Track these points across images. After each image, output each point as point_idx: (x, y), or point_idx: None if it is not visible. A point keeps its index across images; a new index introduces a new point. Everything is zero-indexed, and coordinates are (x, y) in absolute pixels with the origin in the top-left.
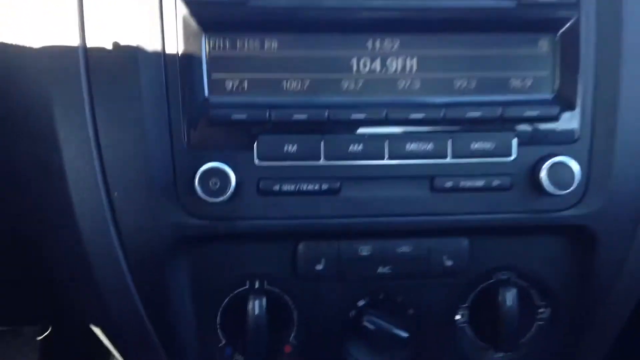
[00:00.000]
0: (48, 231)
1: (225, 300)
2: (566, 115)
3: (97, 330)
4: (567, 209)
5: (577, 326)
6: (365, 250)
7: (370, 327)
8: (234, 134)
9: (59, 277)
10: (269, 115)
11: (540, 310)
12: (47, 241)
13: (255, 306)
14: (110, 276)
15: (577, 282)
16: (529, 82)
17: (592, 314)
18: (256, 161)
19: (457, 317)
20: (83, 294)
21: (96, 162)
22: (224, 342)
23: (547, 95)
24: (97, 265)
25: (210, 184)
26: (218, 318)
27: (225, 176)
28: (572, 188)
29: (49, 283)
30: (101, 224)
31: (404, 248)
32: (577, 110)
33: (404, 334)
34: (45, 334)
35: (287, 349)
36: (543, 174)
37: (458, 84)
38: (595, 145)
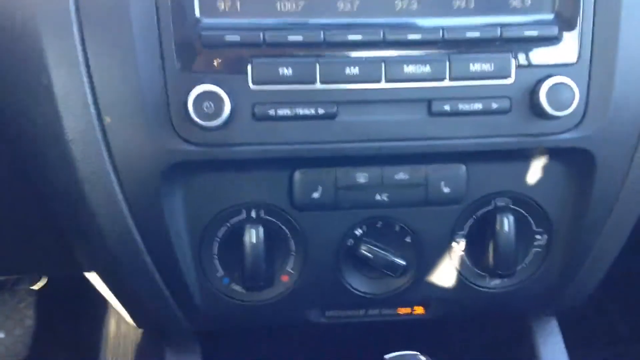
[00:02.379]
0: (41, 160)
1: (222, 230)
2: (566, 36)
3: (94, 278)
4: (566, 131)
5: (573, 253)
6: (362, 177)
7: (368, 255)
8: (227, 57)
9: (54, 209)
10: (263, 37)
11: (537, 237)
12: (41, 170)
13: (252, 235)
14: (105, 203)
15: (575, 208)
16: (528, 2)
17: (589, 240)
18: (251, 85)
19: (454, 244)
20: (79, 226)
21: (86, 86)
22: (221, 272)
23: (547, 15)
24: (92, 194)
25: (204, 107)
26: (215, 248)
27: (219, 99)
28: (571, 109)
29: (47, 222)
30: (94, 150)
31: (402, 175)
32: (577, 30)
33: (402, 262)
34: (41, 284)
35: (284, 278)
36: (542, 95)
37: (457, 4)
38: (595, 67)
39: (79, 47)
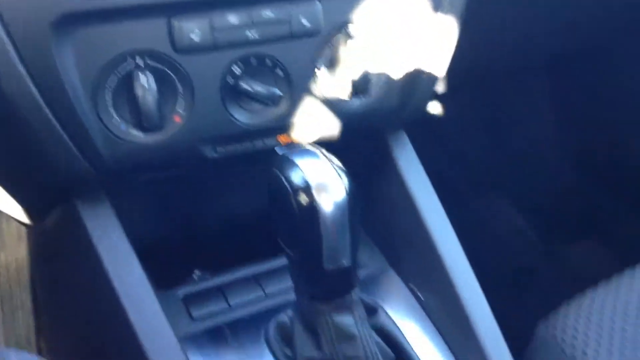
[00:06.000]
0: None
1: (113, 78)
2: None
3: None
4: None
5: (408, 77)
6: (233, 17)
7: (248, 89)
8: None
9: None
10: None
11: None
12: None
13: (142, 80)
14: None
15: None
16: None
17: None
18: None
19: (317, 72)
20: None
21: None
22: (118, 119)
23: None
24: None
25: None
26: (109, 96)
27: None
28: None
29: None
30: None
31: (268, 12)
32: None
33: (277, 91)
34: None
35: (177, 118)
36: None
37: None
38: None
39: None
